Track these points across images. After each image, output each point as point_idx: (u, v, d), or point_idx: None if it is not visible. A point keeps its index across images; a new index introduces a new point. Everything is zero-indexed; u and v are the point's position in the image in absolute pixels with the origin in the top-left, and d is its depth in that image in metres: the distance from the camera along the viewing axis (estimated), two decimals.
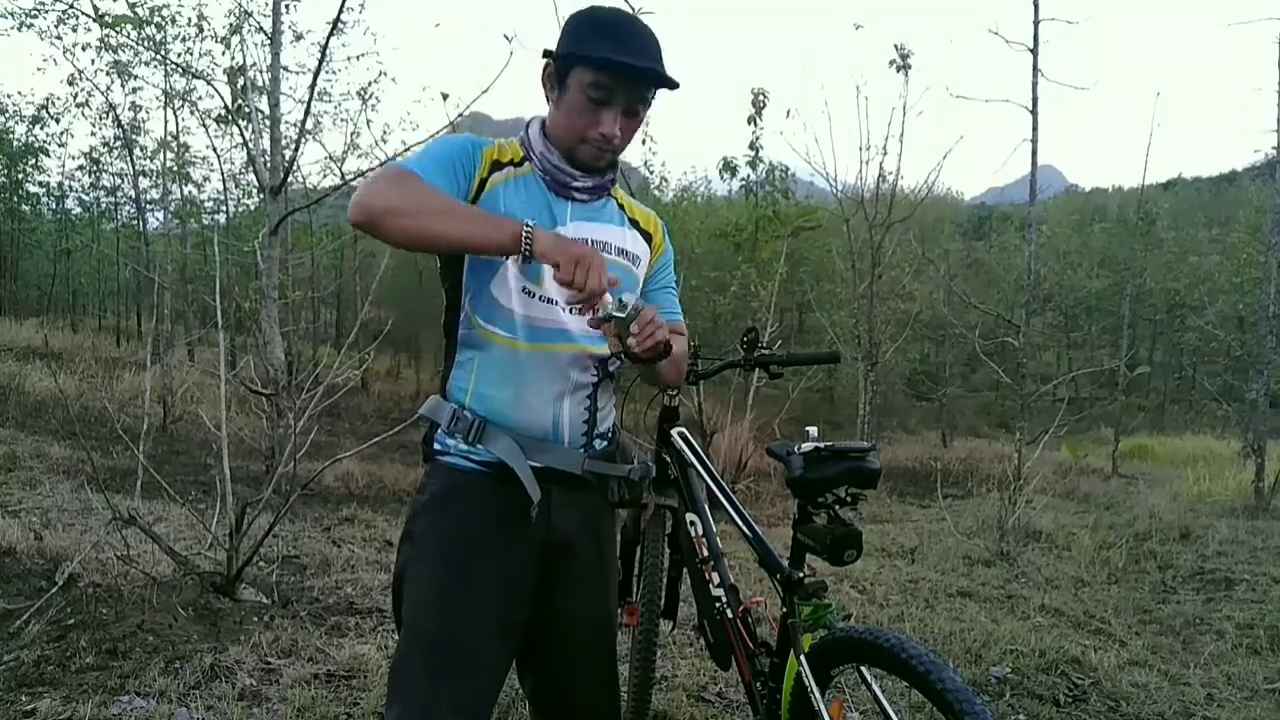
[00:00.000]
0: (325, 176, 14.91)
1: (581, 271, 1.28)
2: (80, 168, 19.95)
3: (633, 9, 4.20)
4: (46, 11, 9.34)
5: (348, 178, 10.48)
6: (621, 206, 1.62)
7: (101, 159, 18.60)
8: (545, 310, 1.46)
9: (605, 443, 1.60)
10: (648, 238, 1.65)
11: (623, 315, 1.32)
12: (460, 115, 4.45)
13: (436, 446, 1.51)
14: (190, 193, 14.16)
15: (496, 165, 1.47)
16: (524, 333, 1.46)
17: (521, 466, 1.43)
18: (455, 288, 1.50)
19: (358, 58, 14.79)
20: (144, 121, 14.15)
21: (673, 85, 1.43)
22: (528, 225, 1.31)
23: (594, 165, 1.49)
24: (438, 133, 5.30)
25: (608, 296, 1.32)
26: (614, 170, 1.56)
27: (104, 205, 21.50)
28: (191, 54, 11.15)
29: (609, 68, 1.38)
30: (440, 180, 1.37)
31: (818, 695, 1.61)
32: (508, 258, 1.42)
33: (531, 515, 1.43)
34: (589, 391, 1.53)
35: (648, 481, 1.67)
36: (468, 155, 1.44)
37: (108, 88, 12.09)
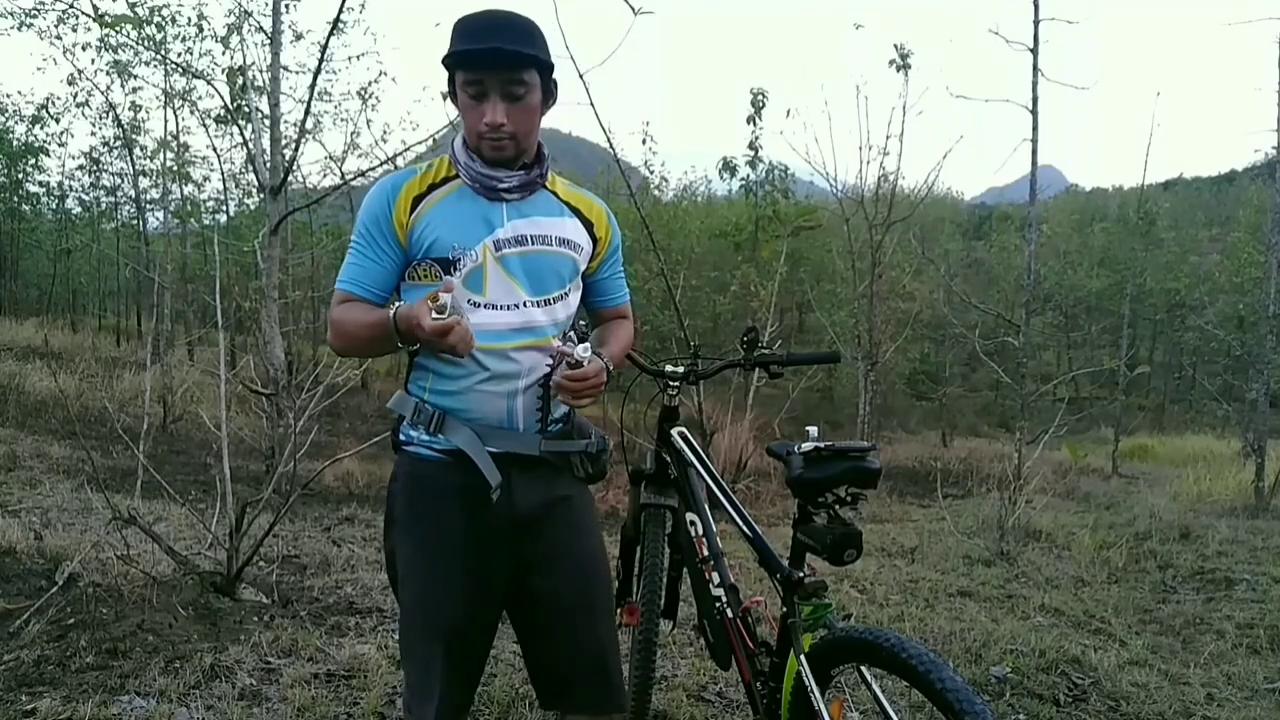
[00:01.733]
0: (325, 176, 14.94)
1: (439, 340, 1.38)
2: (80, 168, 19.95)
3: (633, 10, 4.21)
4: (46, 11, 9.33)
5: (348, 177, 10.49)
6: (560, 197, 1.69)
7: (101, 159, 18.62)
8: (488, 315, 1.56)
9: (562, 425, 1.69)
10: (589, 225, 1.71)
11: (443, 317, 1.36)
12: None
13: (402, 438, 1.65)
14: (190, 193, 14.19)
15: (419, 198, 1.58)
16: (475, 336, 1.53)
17: (479, 454, 1.55)
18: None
19: (358, 58, 14.81)
20: (144, 121, 14.17)
21: (529, 58, 1.51)
22: (390, 313, 1.46)
23: (500, 157, 1.56)
24: (438, 133, 5.30)
25: (442, 299, 1.39)
26: (541, 165, 1.63)
27: (104, 205, 21.45)
28: (191, 54, 11.16)
29: (460, 60, 1.51)
30: (371, 271, 1.58)
31: (818, 695, 1.61)
32: (446, 276, 1.54)
33: (492, 498, 1.54)
34: (542, 381, 1.60)
35: (608, 454, 1.71)
36: (384, 219, 1.56)
37: (108, 88, 12.11)
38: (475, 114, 1.53)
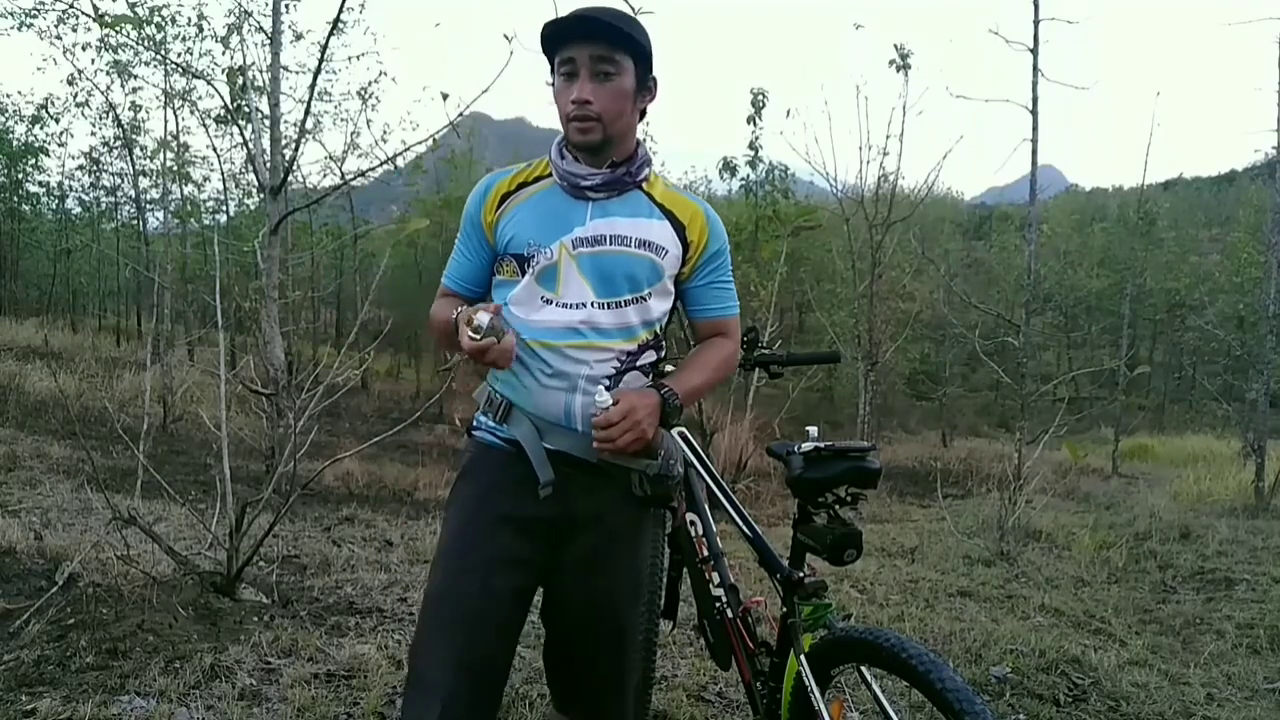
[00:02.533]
0: (325, 176, 14.95)
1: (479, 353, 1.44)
2: (80, 168, 19.99)
3: (633, 9, 4.20)
4: (46, 11, 9.36)
5: (348, 177, 10.49)
6: (655, 198, 1.65)
7: (101, 159, 18.65)
8: (556, 313, 1.58)
9: None
10: (681, 228, 1.65)
11: (478, 338, 1.43)
12: (460, 115, 4.43)
13: (475, 422, 1.70)
14: (190, 193, 14.19)
15: (507, 196, 1.63)
16: (539, 332, 1.58)
17: (534, 448, 1.57)
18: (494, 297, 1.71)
19: (358, 58, 14.84)
20: (144, 121, 14.21)
21: (620, 34, 1.50)
22: (453, 317, 1.53)
23: (586, 141, 1.55)
24: (437, 133, 5.29)
25: (477, 320, 1.44)
26: (631, 164, 1.61)
27: (104, 205, 21.48)
28: (191, 54, 11.20)
29: (554, 33, 1.52)
30: (463, 266, 1.70)
31: (818, 695, 1.61)
32: (524, 276, 1.59)
33: (539, 494, 1.54)
34: (604, 384, 1.57)
35: (675, 480, 1.64)
36: (474, 216, 1.66)
37: (108, 88, 12.13)
38: (565, 95, 1.54)
